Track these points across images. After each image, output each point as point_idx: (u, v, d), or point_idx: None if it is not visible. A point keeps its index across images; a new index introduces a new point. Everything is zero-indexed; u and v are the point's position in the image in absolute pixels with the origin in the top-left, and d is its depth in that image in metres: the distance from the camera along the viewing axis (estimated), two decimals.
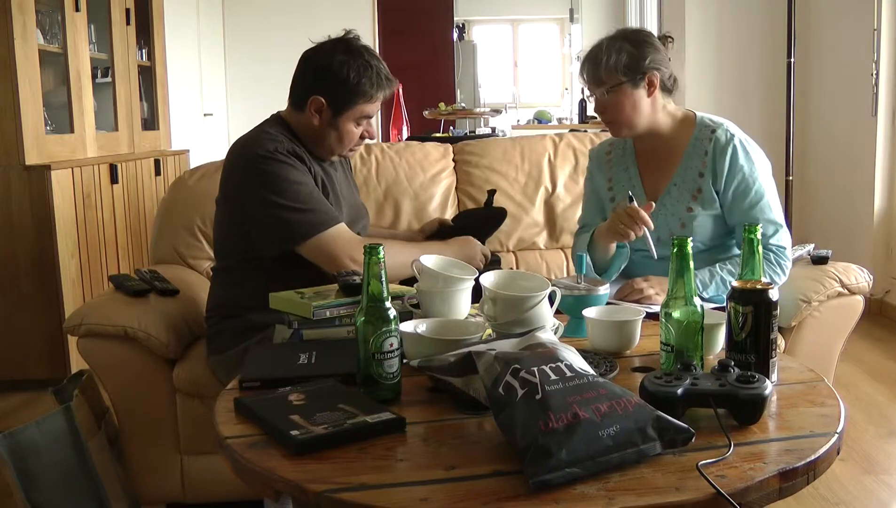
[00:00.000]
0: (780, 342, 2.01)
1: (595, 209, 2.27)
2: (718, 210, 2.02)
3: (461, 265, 1.68)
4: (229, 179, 2.00)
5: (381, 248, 1.28)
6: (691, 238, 1.34)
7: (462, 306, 1.60)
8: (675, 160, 2.06)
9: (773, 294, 1.30)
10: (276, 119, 2.07)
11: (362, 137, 2.06)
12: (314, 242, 1.90)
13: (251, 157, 1.93)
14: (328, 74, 1.96)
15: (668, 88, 2.03)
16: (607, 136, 2.91)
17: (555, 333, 1.43)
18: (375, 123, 7.03)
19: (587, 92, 2.05)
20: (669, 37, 2.06)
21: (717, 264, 2.00)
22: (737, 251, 2.05)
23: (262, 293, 1.72)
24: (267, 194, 1.90)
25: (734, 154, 1.98)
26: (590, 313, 1.54)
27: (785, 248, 2.01)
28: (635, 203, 1.90)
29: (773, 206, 2.01)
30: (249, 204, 1.93)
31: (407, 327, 1.43)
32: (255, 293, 1.84)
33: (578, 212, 2.71)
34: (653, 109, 2.02)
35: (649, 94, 1.99)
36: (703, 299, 1.92)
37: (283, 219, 1.90)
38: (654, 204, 1.98)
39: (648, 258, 2.04)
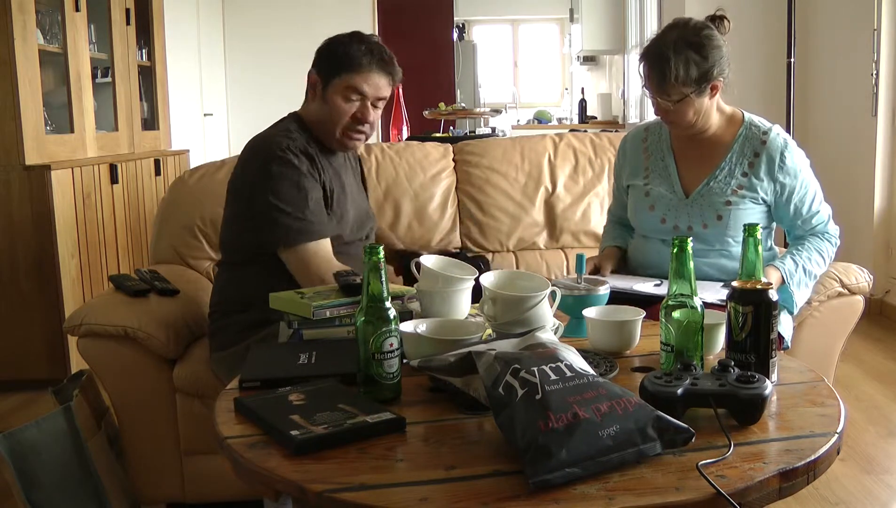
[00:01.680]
0: (788, 344, 2.01)
1: (623, 204, 2.28)
2: (759, 207, 2.04)
3: (461, 265, 1.68)
4: (243, 174, 2.00)
5: (380, 248, 1.28)
6: (691, 239, 1.34)
7: (462, 306, 1.60)
8: (717, 155, 2.07)
9: (773, 294, 1.30)
10: (293, 116, 2.09)
11: (356, 120, 2.00)
12: (294, 251, 1.91)
13: (266, 155, 1.94)
14: (323, 51, 2.01)
15: (725, 89, 2.03)
16: (607, 136, 2.91)
17: (555, 333, 1.43)
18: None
19: (647, 92, 2.02)
20: (725, 17, 2.02)
21: (793, 251, 2.04)
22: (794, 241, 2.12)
23: (270, 289, 1.72)
24: (268, 194, 1.91)
25: (792, 160, 2.02)
26: (590, 313, 1.54)
27: (836, 230, 2.11)
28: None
29: (821, 197, 2.08)
30: (255, 201, 1.94)
31: (407, 327, 1.43)
32: (262, 289, 1.83)
33: (579, 212, 2.72)
34: (712, 110, 2.03)
35: (711, 96, 2.00)
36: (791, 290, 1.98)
37: (274, 220, 1.91)
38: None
39: (665, 244, 2.08)
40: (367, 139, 2.10)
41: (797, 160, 2.03)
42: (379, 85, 2.00)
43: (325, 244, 1.94)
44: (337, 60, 1.98)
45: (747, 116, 2.10)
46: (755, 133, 2.05)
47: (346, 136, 2.03)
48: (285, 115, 2.11)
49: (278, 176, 1.91)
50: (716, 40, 1.95)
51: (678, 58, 1.90)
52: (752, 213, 2.04)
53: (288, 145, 1.94)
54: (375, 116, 2.05)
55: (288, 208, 1.90)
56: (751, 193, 2.02)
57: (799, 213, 2.05)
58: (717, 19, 2.00)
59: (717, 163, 2.06)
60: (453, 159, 2.81)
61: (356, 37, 2.01)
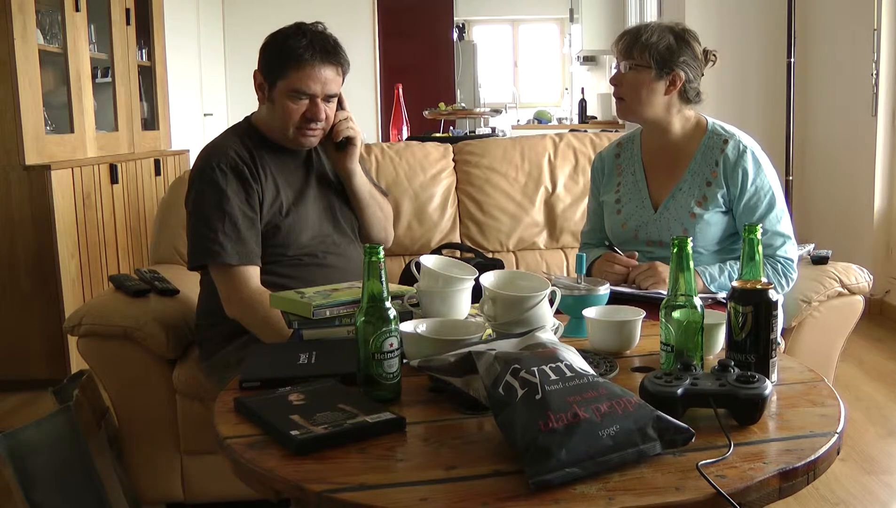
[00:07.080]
0: (780, 342, 2.01)
1: (600, 226, 2.24)
2: (723, 217, 2.02)
3: (461, 265, 1.68)
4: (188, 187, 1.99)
5: (380, 248, 1.28)
6: (691, 238, 1.34)
7: (462, 306, 1.60)
8: (682, 165, 2.06)
9: (773, 294, 1.30)
10: (244, 122, 2.04)
11: (307, 119, 1.90)
12: (212, 270, 1.89)
13: (196, 171, 1.92)
14: (264, 50, 1.92)
15: (688, 98, 2.02)
16: (607, 136, 2.92)
17: (555, 333, 1.43)
18: (374, 121, 7.02)
19: (613, 62, 2.04)
20: (714, 53, 2.03)
21: (727, 261, 2.02)
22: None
23: None
24: (188, 211, 1.91)
25: (746, 168, 1.98)
26: (590, 313, 1.54)
27: (792, 260, 2.01)
28: (615, 250, 2.06)
29: (781, 218, 2.01)
30: (187, 217, 1.95)
31: (407, 327, 1.43)
32: None
33: (578, 212, 2.72)
34: (666, 108, 2.02)
35: (667, 91, 1.99)
36: (710, 291, 1.94)
37: (191, 237, 1.90)
38: (636, 254, 2.04)
39: (643, 255, 2.08)
40: (323, 133, 1.97)
41: (750, 165, 1.98)
42: (326, 79, 1.87)
43: (240, 270, 1.85)
44: (277, 59, 1.85)
45: (711, 123, 2.07)
46: (716, 141, 2.03)
47: (301, 134, 1.93)
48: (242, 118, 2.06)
49: (200, 195, 1.88)
50: (693, 45, 2.00)
51: (656, 29, 1.98)
52: (717, 226, 2.02)
53: (219, 162, 1.88)
54: (330, 110, 1.93)
55: (201, 227, 1.86)
56: (713, 203, 2.00)
57: (749, 218, 1.98)
58: (707, 52, 2.03)
59: (682, 174, 2.05)
60: (453, 159, 2.81)
61: (296, 29, 1.89)
